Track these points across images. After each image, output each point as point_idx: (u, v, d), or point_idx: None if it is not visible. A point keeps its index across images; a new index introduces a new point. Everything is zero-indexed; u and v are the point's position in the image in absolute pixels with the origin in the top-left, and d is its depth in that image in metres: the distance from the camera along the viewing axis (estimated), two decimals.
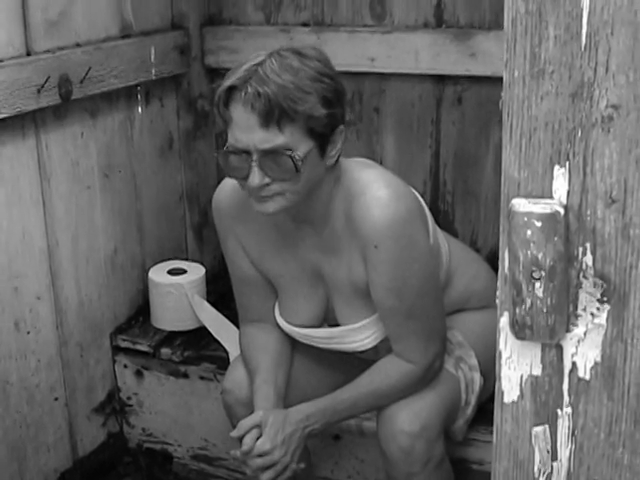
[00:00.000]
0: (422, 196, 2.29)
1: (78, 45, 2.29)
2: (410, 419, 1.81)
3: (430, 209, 2.55)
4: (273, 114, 1.61)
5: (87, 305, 2.46)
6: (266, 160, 1.65)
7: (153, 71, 2.54)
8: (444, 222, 2.59)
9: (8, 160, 2.13)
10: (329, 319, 1.97)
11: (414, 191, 1.88)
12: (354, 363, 2.01)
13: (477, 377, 1.97)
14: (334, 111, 1.68)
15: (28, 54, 2.13)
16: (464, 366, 1.97)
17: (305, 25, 2.62)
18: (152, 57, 2.53)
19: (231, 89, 1.65)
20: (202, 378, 2.49)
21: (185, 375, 2.52)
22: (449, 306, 2.04)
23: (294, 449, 1.85)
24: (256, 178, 1.66)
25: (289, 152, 1.64)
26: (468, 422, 2.01)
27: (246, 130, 1.64)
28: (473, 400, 1.97)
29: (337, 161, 1.77)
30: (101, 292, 2.51)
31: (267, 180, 1.67)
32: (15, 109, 2.05)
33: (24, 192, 2.19)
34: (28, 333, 2.26)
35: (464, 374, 1.96)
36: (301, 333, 1.98)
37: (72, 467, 2.48)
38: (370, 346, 1.92)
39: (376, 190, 1.74)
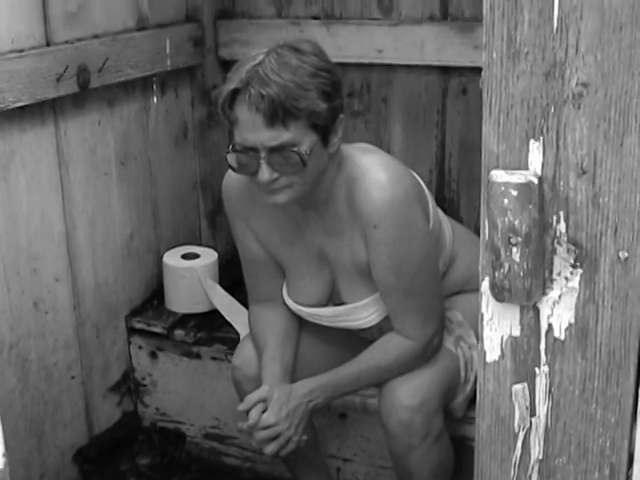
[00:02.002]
0: (428, 184, 2.35)
1: (96, 36, 2.37)
2: (410, 393, 1.89)
3: (436, 197, 2.63)
4: (277, 114, 1.69)
5: (103, 288, 2.54)
6: (274, 156, 1.74)
7: (168, 62, 2.63)
8: (450, 209, 2.66)
9: (28, 146, 2.21)
10: (334, 298, 2.05)
11: (414, 174, 1.96)
12: (359, 341, 2.08)
13: (476, 355, 2.04)
14: (334, 103, 1.76)
15: (48, 45, 2.21)
16: (464, 345, 2.04)
17: (315, 18, 2.70)
18: (167, 49, 2.61)
19: (235, 92, 1.73)
20: (214, 359, 2.57)
21: (198, 356, 2.60)
22: (451, 287, 2.11)
23: (298, 423, 1.93)
24: (265, 174, 1.75)
25: (295, 148, 1.73)
26: (468, 399, 2.08)
27: (253, 130, 1.72)
28: (472, 378, 2.04)
29: (338, 147, 1.85)
30: (117, 275, 2.59)
31: (275, 175, 1.76)
32: (35, 97, 2.13)
33: (43, 177, 2.27)
34: (47, 313, 2.34)
35: (463, 352, 2.03)
36: (308, 312, 2.06)
37: (88, 443, 2.56)
38: (373, 323, 2.00)
39: (375, 173, 1.82)
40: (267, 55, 1.73)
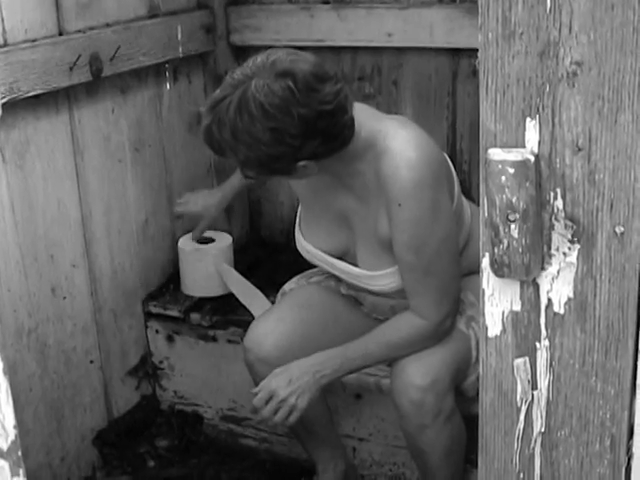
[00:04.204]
0: None
1: (108, 25, 2.39)
2: (421, 373, 1.91)
3: None
4: (229, 156, 1.79)
5: (120, 273, 2.58)
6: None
7: (180, 49, 2.65)
8: (462, 190, 2.67)
9: (43, 134, 2.24)
10: (348, 257, 2.07)
11: (445, 155, 1.98)
12: (374, 325, 2.09)
13: None
14: (292, 149, 1.73)
15: (60, 34, 2.24)
16: (475, 325, 2.05)
17: (325, 3, 2.71)
18: (179, 36, 2.63)
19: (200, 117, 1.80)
20: (230, 342, 2.61)
21: (214, 339, 2.63)
22: (465, 267, 2.12)
23: (301, 391, 1.94)
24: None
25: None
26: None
27: None
28: None
29: (351, 137, 1.82)
30: (133, 261, 2.63)
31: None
32: (49, 86, 2.16)
33: (59, 165, 2.31)
34: (64, 299, 2.38)
35: (475, 332, 2.04)
36: (319, 255, 2.09)
37: (107, 427, 2.61)
38: (386, 289, 2.02)
39: (406, 151, 1.82)
40: (240, 86, 1.72)
